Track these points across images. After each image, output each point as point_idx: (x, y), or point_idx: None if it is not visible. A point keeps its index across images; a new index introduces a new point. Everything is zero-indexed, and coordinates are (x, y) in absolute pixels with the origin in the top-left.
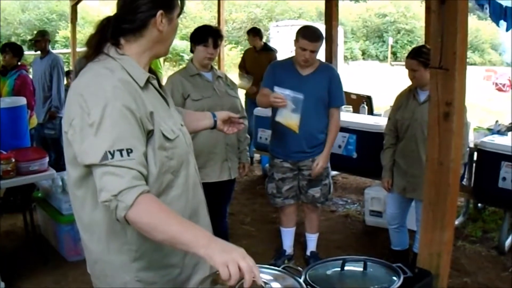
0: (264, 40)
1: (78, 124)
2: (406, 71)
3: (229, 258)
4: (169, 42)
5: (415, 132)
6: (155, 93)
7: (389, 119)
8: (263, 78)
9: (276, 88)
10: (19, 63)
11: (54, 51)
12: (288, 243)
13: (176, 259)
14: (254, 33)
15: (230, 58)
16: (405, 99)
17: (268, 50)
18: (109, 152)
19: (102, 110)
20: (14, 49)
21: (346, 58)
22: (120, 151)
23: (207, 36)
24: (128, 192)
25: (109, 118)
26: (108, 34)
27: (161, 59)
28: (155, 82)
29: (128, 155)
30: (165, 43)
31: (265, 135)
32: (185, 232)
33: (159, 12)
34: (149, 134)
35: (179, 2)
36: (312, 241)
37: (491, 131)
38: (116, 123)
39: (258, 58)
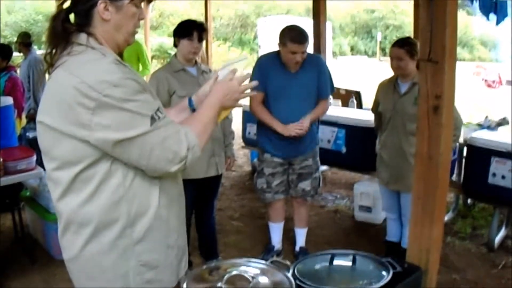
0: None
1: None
2: None
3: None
4: (125, 29)
5: (397, 124)
6: None
7: (372, 110)
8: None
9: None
10: (7, 65)
11: (40, 52)
12: (276, 239)
13: (172, 240)
14: None
15: (218, 54)
16: (386, 90)
17: None
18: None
19: (118, 87)
20: (2, 51)
21: (335, 54)
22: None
23: (191, 29)
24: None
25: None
26: (71, 25)
27: (149, 56)
28: None
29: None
30: (121, 31)
31: (253, 130)
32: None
33: (100, 1)
34: None
35: None
36: (301, 236)
37: (481, 126)
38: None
39: None
